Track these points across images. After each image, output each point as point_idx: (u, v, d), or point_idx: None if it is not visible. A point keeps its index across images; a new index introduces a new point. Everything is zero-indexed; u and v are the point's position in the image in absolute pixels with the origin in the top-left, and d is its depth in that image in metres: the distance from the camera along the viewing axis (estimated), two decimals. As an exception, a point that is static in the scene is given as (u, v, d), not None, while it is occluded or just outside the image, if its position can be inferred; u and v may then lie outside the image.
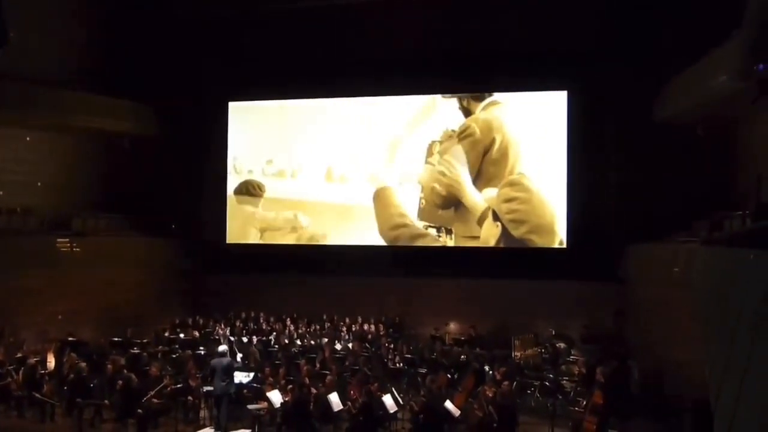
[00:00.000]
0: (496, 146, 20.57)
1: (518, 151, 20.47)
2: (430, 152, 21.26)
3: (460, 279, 20.61)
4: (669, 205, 17.91)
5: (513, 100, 20.90)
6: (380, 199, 21.67)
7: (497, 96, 20.84)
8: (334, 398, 13.15)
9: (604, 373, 13.24)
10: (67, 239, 19.88)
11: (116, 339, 18.05)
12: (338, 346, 17.97)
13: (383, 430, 13.25)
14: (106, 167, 22.50)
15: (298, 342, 18.48)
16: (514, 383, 14.37)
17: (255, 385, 14.53)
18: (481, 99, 20.88)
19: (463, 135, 20.91)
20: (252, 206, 22.96)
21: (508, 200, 20.45)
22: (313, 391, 13.51)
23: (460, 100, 21.09)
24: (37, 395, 14.38)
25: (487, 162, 20.62)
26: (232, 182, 23.38)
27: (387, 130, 22.01)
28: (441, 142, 21.11)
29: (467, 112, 21.02)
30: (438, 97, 21.52)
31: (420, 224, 21.45)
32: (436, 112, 21.49)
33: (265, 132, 23.22)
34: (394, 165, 21.82)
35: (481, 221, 20.71)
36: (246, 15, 22.14)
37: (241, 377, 14.57)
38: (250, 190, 22.83)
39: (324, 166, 22.43)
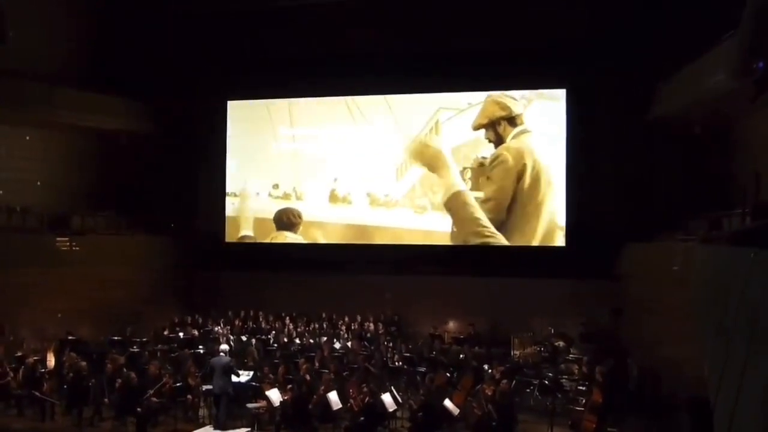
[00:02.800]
0: (528, 172, 20.74)
1: (550, 176, 20.65)
2: (462, 179, 21.30)
3: (459, 277, 20.64)
4: (667, 203, 17.95)
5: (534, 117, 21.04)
6: (455, 203, 21.57)
7: (528, 125, 20.97)
8: (333, 397, 13.17)
9: (603, 371, 13.27)
10: (66, 238, 19.90)
11: (116, 337, 18.05)
12: (337, 345, 17.98)
13: (382, 428, 13.27)
14: (105, 166, 22.50)
15: (297, 341, 18.49)
16: (513, 382, 14.39)
17: (254, 383, 14.54)
18: (514, 124, 20.92)
19: (495, 162, 21.00)
20: (291, 234, 22.94)
21: None
22: (315, 390, 13.54)
23: (492, 127, 21.07)
24: (37, 394, 14.38)
25: (520, 188, 20.79)
26: (235, 201, 23.51)
27: (393, 148, 22.25)
28: (473, 169, 21.15)
29: (499, 141, 21.04)
30: (440, 119, 21.65)
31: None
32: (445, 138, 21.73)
33: (266, 137, 23.33)
34: (403, 186, 22.07)
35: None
36: (243, 11, 22.09)
37: (240, 376, 14.58)
38: (290, 218, 22.85)
39: (328, 186, 22.66)
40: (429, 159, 21.63)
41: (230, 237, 23.50)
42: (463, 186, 21.27)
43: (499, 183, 20.95)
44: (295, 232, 22.77)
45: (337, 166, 22.60)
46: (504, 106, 21.02)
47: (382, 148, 22.24)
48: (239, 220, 23.44)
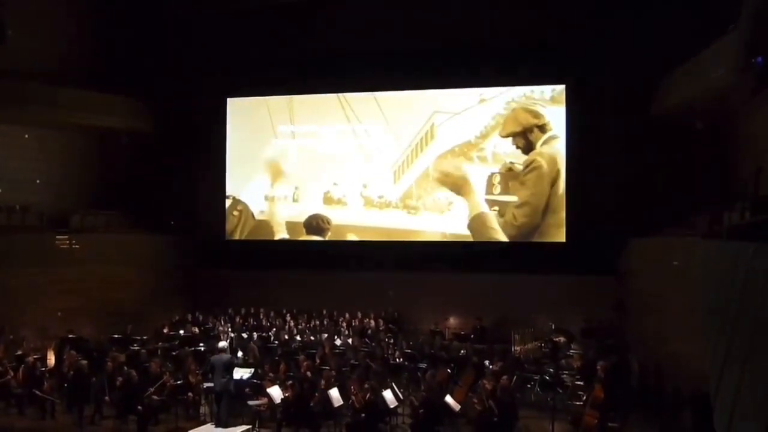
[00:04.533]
0: (563, 177, 20.79)
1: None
2: (490, 183, 21.24)
3: (460, 274, 20.62)
4: (668, 198, 17.90)
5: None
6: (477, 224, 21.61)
7: (555, 131, 20.93)
8: (334, 394, 13.16)
9: (604, 367, 13.26)
10: (66, 236, 19.90)
11: (116, 336, 18.06)
12: (338, 342, 17.99)
13: (384, 425, 13.26)
14: (105, 164, 22.52)
15: (298, 338, 18.51)
16: (514, 377, 14.37)
17: (255, 381, 14.53)
18: (544, 131, 20.92)
19: (529, 168, 21.01)
20: (321, 238, 22.98)
21: None
22: (316, 387, 13.53)
23: (523, 134, 21.00)
24: (38, 392, 14.40)
25: (554, 192, 20.81)
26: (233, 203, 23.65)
27: (390, 150, 22.39)
28: (501, 174, 21.16)
29: (529, 147, 21.02)
30: (435, 122, 21.77)
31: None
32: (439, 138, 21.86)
33: (265, 136, 23.37)
34: (399, 189, 22.24)
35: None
36: (242, 10, 22.04)
37: (241, 373, 14.56)
38: (320, 224, 22.82)
39: (324, 188, 22.83)
40: (453, 184, 21.68)
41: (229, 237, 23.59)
42: (486, 208, 21.33)
43: (534, 188, 20.98)
44: (324, 237, 22.85)
45: (333, 168, 22.72)
46: (536, 114, 21.04)
47: (378, 151, 22.37)
48: (237, 223, 23.55)
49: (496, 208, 21.21)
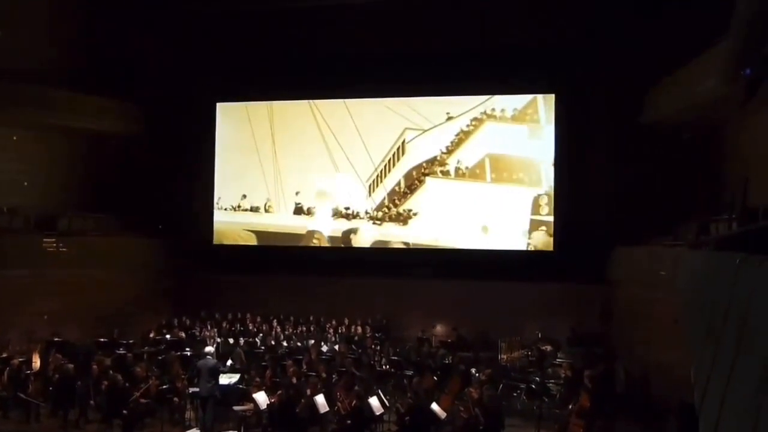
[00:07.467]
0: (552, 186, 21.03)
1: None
2: (536, 204, 21.17)
3: (448, 281, 20.62)
4: (656, 207, 17.96)
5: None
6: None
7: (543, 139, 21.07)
8: (320, 400, 13.14)
9: (591, 376, 13.26)
10: (53, 239, 19.78)
11: (102, 339, 17.95)
12: (325, 348, 17.96)
13: (369, 432, 13.25)
14: (94, 167, 22.36)
15: (285, 343, 18.45)
16: (500, 386, 14.37)
17: (241, 386, 14.48)
18: None
19: None
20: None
21: None
22: (302, 393, 13.50)
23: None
24: (22, 395, 14.33)
25: None
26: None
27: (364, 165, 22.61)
28: (548, 195, 21.13)
29: None
30: (406, 138, 22.01)
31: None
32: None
33: (252, 142, 23.44)
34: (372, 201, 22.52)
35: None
36: (234, 12, 22.02)
37: (226, 378, 14.50)
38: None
39: (295, 199, 23.10)
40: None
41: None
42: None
43: None
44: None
45: (308, 179, 22.98)
46: None
47: (352, 165, 22.58)
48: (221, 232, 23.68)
49: (544, 227, 21.15)
